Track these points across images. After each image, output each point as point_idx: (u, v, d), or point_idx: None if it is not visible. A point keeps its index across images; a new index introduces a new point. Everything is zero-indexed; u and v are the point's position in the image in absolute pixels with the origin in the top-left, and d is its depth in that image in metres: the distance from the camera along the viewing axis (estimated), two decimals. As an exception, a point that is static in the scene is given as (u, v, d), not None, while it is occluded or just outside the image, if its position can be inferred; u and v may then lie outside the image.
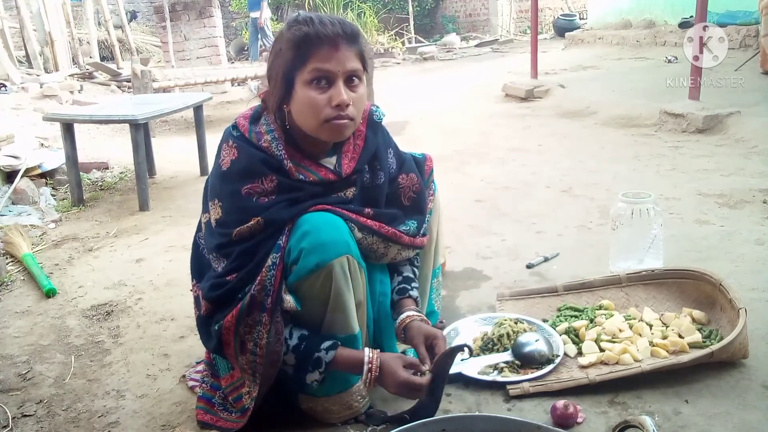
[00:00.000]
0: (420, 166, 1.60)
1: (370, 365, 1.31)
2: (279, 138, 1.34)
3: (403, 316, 1.45)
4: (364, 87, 1.35)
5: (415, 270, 1.57)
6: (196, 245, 1.47)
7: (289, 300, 1.28)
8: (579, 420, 1.32)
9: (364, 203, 1.42)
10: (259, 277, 1.27)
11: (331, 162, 1.40)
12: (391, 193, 1.50)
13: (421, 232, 1.52)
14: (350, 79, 1.31)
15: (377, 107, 1.53)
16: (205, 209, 1.41)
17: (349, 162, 1.41)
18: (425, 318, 1.47)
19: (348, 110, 1.30)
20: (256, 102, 1.45)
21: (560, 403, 1.33)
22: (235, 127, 1.38)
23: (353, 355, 1.32)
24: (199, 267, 1.45)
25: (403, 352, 1.59)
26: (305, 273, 1.26)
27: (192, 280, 1.47)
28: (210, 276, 1.36)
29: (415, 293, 1.51)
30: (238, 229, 1.29)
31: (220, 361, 1.46)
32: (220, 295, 1.30)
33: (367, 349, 1.33)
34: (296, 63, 1.28)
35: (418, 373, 1.33)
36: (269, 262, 1.27)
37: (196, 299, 1.40)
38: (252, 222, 1.28)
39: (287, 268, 1.28)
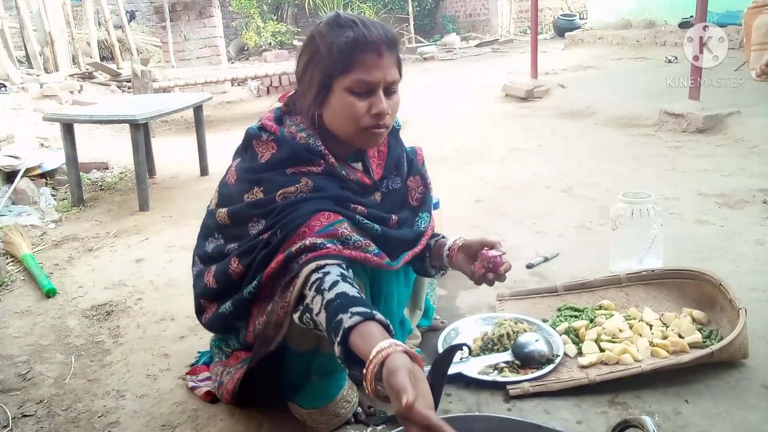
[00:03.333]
0: (415, 158, 1.62)
1: (377, 355, 0.96)
2: (315, 135, 1.32)
3: (449, 243, 1.47)
4: (399, 95, 1.34)
5: None
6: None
7: None
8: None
9: (388, 209, 1.42)
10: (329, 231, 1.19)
11: (358, 166, 1.41)
12: (402, 195, 1.51)
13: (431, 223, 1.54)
14: (389, 89, 1.30)
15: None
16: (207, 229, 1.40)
17: (376, 168, 1.43)
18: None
19: (386, 119, 1.30)
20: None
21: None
22: (262, 127, 1.35)
23: (373, 336, 1.00)
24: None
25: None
26: None
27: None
28: (226, 250, 1.32)
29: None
30: (282, 190, 1.25)
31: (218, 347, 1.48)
32: (256, 256, 1.24)
33: (388, 341, 0.98)
34: (338, 69, 1.24)
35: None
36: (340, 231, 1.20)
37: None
38: (302, 182, 1.25)
39: None
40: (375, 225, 1.33)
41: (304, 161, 1.29)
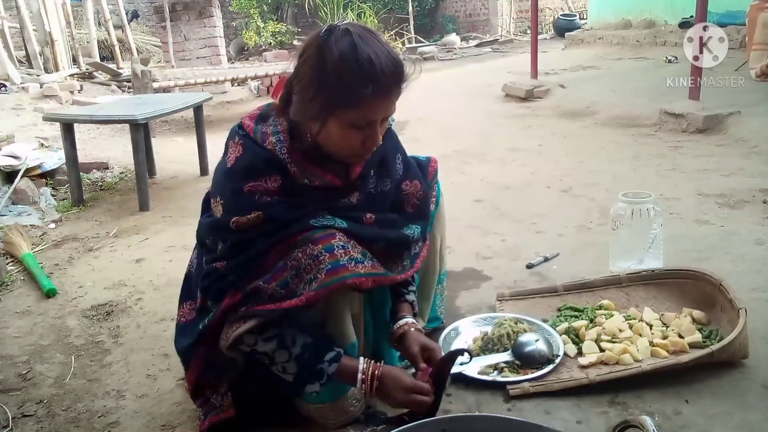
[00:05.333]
0: (423, 169, 1.59)
1: (364, 375, 1.28)
2: (284, 141, 1.29)
3: (399, 323, 1.42)
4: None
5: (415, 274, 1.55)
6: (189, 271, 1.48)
7: None
8: None
9: (369, 209, 1.38)
10: (275, 274, 1.24)
11: (337, 166, 1.35)
12: (396, 200, 1.47)
13: (424, 236, 1.50)
14: (385, 118, 1.29)
15: None
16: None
17: (356, 167, 1.38)
18: (420, 328, 1.44)
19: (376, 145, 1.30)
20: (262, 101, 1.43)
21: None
22: (240, 126, 1.35)
23: (353, 366, 1.29)
24: (188, 290, 1.46)
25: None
26: None
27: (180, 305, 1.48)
28: (206, 260, 1.35)
29: (411, 297, 1.48)
30: (236, 218, 1.26)
31: None
32: (210, 284, 1.29)
33: (362, 359, 1.30)
34: (343, 103, 1.20)
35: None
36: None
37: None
38: (252, 215, 1.25)
39: None
40: (336, 219, 1.30)
41: (261, 173, 1.27)
